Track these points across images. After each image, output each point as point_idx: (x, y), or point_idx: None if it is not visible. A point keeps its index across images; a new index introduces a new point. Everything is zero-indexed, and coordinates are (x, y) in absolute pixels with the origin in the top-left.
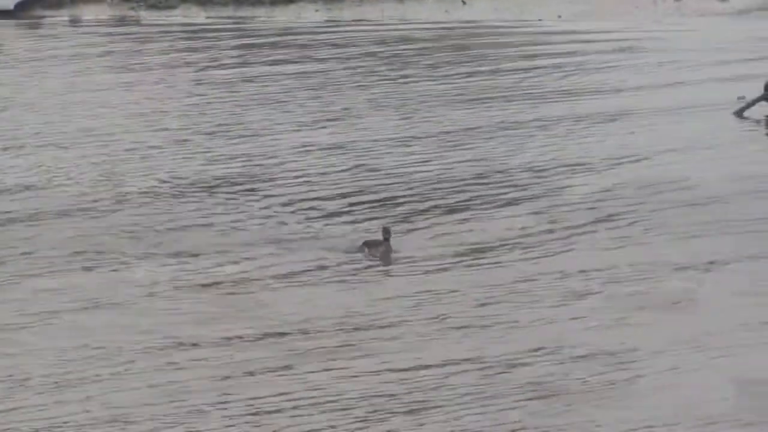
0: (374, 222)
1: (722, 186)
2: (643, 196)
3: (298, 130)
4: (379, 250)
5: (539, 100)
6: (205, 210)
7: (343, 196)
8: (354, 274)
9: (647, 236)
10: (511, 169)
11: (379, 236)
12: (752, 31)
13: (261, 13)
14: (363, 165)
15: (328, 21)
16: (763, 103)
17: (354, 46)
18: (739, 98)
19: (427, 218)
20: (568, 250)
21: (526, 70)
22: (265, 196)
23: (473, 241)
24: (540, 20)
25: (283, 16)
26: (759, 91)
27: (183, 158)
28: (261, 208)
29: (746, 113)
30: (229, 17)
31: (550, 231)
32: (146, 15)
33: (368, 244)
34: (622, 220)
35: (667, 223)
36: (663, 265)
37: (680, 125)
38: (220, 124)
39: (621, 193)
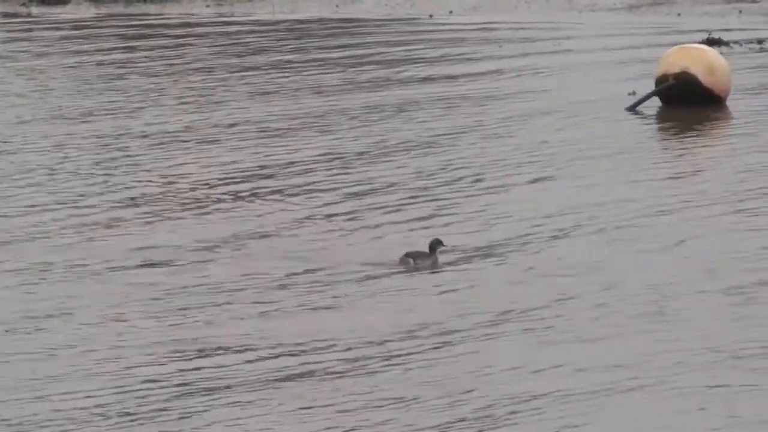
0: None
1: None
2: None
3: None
4: (427, 262)
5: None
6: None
7: None
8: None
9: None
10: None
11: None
12: (643, 25)
13: (152, 9)
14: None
15: (218, 15)
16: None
17: (242, 43)
18: (630, 94)
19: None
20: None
21: (402, 61)
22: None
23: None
24: (431, 16)
25: (173, 12)
26: (650, 86)
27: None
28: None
29: (639, 108)
30: (119, 14)
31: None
32: (37, 11)
33: (413, 256)
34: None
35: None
36: None
37: (573, 122)
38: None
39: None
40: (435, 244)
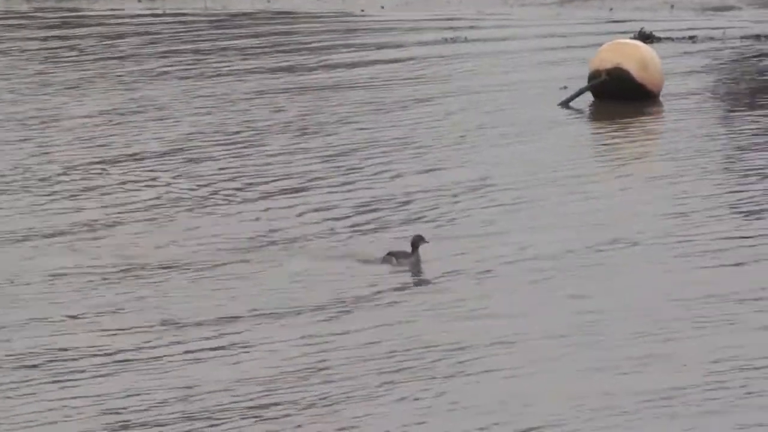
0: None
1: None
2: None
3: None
4: (409, 260)
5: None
6: None
7: None
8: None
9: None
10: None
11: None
12: (575, 20)
13: (84, 4)
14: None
15: (149, 10)
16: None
17: (172, 37)
18: (562, 89)
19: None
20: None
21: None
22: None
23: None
24: (363, 11)
25: (105, 8)
26: (583, 81)
27: None
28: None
29: (572, 103)
30: (51, 8)
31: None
32: None
33: (395, 255)
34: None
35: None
36: None
37: (505, 118)
38: None
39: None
40: (417, 241)
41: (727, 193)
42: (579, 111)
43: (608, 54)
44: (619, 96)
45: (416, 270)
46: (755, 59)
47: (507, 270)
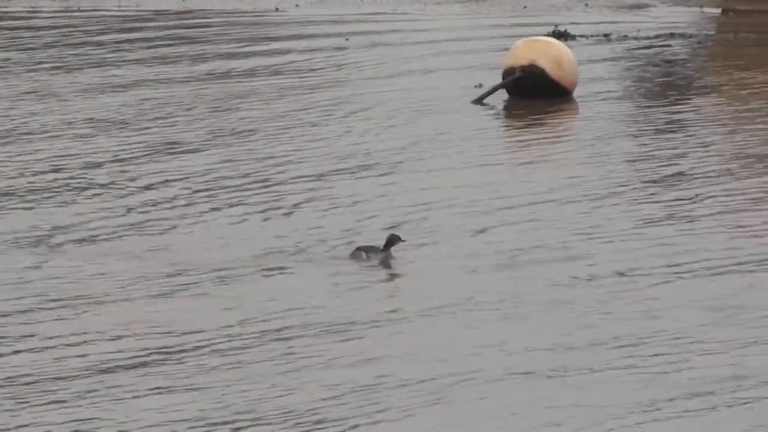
0: None
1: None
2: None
3: None
4: (379, 256)
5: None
6: None
7: None
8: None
9: None
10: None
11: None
12: (490, 17)
13: None
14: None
15: (64, 9)
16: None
17: (84, 35)
18: (476, 86)
19: None
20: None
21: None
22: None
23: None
24: (277, 9)
25: (19, 6)
26: (497, 78)
27: None
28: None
29: (486, 100)
30: None
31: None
32: None
33: (365, 250)
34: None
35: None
36: None
37: (419, 115)
38: None
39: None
40: (392, 240)
41: (634, 189)
42: (493, 108)
43: (523, 51)
44: (534, 93)
45: (386, 266)
46: (669, 57)
47: None
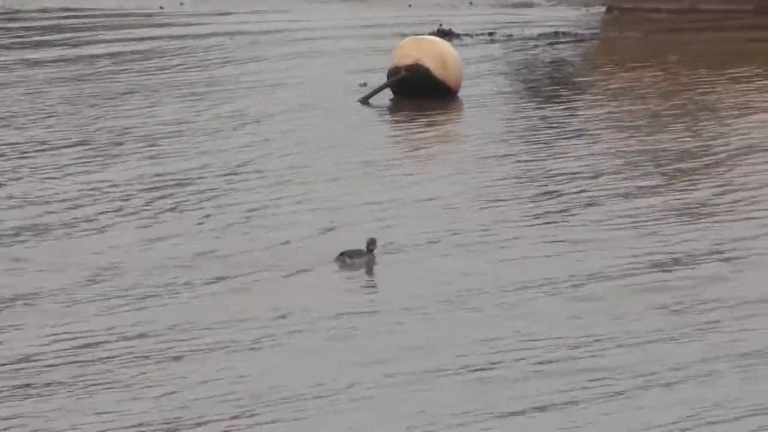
0: None
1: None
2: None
3: None
4: (363, 260)
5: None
6: None
7: None
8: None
9: None
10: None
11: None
12: (375, 17)
13: None
14: None
15: None
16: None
17: None
18: (361, 85)
19: None
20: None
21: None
22: None
23: None
24: (161, 8)
25: None
26: (383, 78)
27: None
28: None
29: (371, 100)
30: None
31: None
32: None
33: (349, 254)
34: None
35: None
36: None
37: (305, 114)
38: None
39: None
40: (371, 243)
41: (516, 183)
42: (379, 107)
43: (407, 50)
44: (419, 92)
45: (369, 270)
46: (553, 55)
47: None
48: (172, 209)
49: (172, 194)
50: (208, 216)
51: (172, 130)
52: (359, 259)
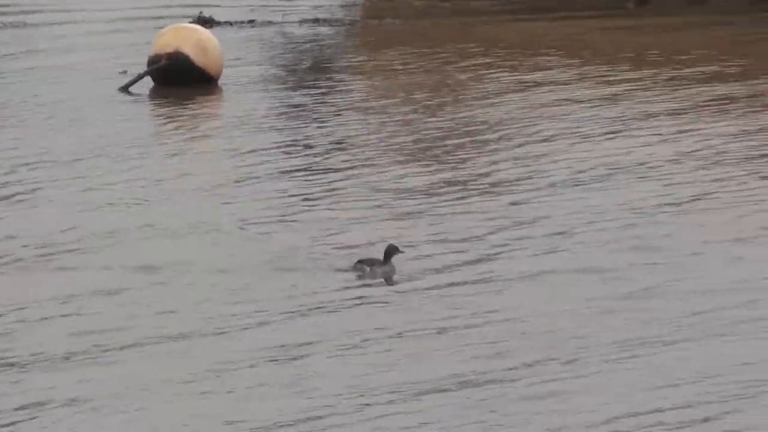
0: None
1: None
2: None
3: None
4: (383, 269)
5: None
6: None
7: None
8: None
9: None
10: None
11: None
12: (137, 4)
13: None
14: None
15: None
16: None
17: None
18: (121, 73)
19: None
20: None
21: None
22: None
23: None
24: None
25: None
26: (144, 66)
27: None
28: None
29: (132, 88)
30: None
31: None
32: None
33: (367, 263)
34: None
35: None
36: None
37: (67, 105)
38: None
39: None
40: (391, 251)
41: (274, 177)
42: (139, 96)
43: (168, 38)
44: (180, 80)
45: (389, 280)
46: (313, 42)
47: None
48: None
49: None
50: None
51: None
52: (378, 268)
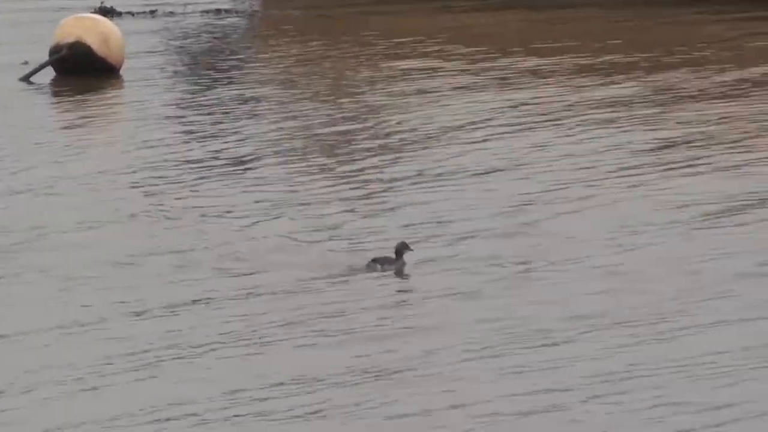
0: None
1: None
2: None
3: None
4: (395, 266)
5: None
6: None
7: None
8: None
9: None
10: None
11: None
12: None
13: None
14: None
15: None
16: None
17: None
18: (23, 63)
19: None
20: None
21: None
22: None
23: None
24: None
25: None
26: (45, 55)
27: None
28: None
29: (33, 78)
30: None
31: None
32: None
33: (380, 261)
34: None
35: None
36: None
37: None
38: None
39: None
40: (402, 248)
41: (181, 170)
42: (40, 86)
43: (69, 28)
44: (82, 71)
45: (402, 276)
46: (213, 31)
47: None
48: None
49: None
50: None
51: None
52: (391, 265)
